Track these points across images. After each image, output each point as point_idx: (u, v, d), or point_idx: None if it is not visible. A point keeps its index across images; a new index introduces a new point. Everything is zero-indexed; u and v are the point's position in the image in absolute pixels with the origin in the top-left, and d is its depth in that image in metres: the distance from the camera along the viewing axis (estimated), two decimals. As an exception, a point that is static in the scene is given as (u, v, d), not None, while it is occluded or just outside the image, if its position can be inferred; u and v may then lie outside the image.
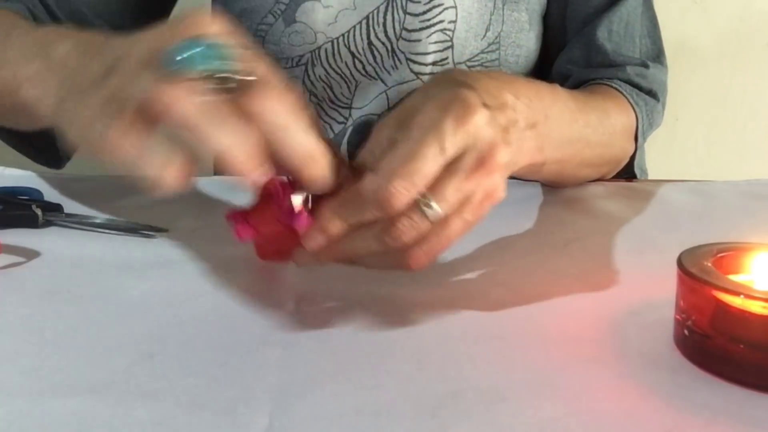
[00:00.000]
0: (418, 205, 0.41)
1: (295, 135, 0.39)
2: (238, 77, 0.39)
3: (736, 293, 0.37)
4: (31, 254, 0.52)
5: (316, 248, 0.42)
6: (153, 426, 0.34)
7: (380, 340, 0.41)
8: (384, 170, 0.40)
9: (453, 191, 0.41)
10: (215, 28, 0.40)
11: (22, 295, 0.46)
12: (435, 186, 0.41)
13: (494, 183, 0.43)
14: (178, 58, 0.39)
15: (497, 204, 0.43)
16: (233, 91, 0.39)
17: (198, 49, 0.39)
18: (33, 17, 0.68)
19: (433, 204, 0.41)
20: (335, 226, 0.42)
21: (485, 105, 0.43)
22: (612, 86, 0.74)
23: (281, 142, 0.39)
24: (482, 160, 0.42)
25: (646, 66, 0.77)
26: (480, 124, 0.42)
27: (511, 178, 0.48)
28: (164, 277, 0.49)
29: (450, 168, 0.41)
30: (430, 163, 0.40)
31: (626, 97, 0.73)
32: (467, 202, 0.42)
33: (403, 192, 0.40)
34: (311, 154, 0.39)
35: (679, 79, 1.32)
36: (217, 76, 0.39)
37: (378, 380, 0.37)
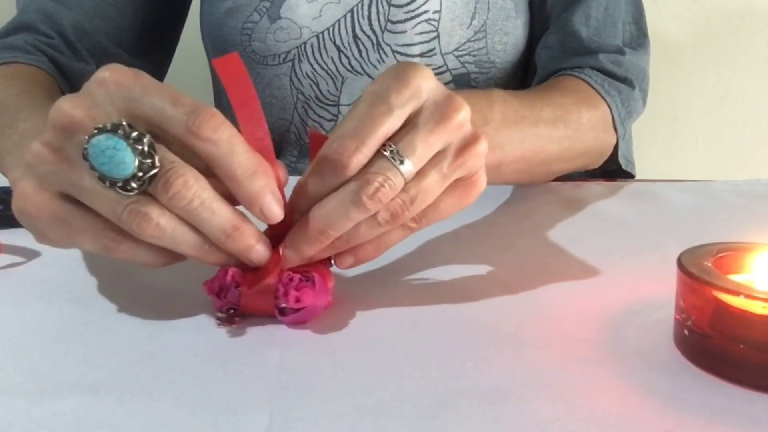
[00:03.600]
0: (387, 160, 0.40)
1: (206, 218, 0.39)
2: (135, 182, 0.37)
3: (737, 293, 0.37)
4: (31, 254, 0.52)
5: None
6: (153, 426, 0.34)
7: (380, 340, 0.41)
8: (335, 134, 0.41)
9: (420, 143, 0.41)
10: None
11: (22, 295, 0.46)
12: (400, 141, 0.41)
13: (466, 134, 0.42)
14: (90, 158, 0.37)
15: (479, 156, 0.42)
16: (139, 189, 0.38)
17: (101, 145, 0.37)
18: (55, 64, 0.70)
19: (401, 153, 0.40)
20: (304, 198, 0.41)
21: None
22: (579, 77, 0.72)
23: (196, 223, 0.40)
24: (442, 111, 0.41)
25: (623, 53, 0.75)
26: (427, 75, 0.42)
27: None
28: (164, 276, 0.49)
29: (412, 123, 0.41)
30: (378, 119, 0.40)
31: (594, 88, 0.72)
32: (441, 156, 0.42)
33: (351, 148, 0.39)
34: (225, 232, 0.40)
35: (679, 79, 1.32)
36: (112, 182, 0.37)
37: (378, 380, 0.37)
